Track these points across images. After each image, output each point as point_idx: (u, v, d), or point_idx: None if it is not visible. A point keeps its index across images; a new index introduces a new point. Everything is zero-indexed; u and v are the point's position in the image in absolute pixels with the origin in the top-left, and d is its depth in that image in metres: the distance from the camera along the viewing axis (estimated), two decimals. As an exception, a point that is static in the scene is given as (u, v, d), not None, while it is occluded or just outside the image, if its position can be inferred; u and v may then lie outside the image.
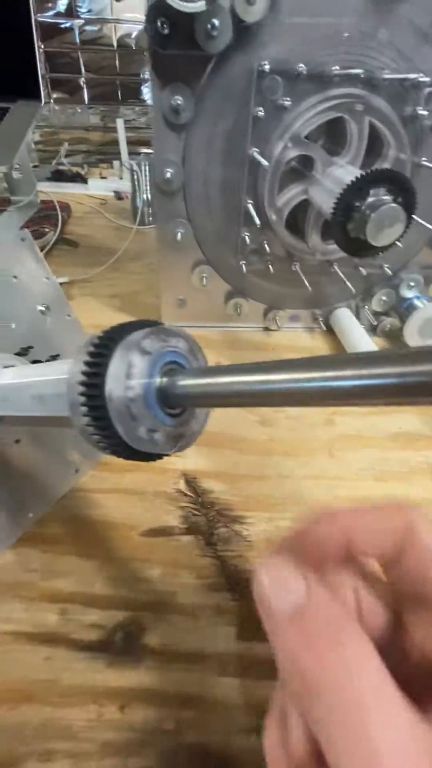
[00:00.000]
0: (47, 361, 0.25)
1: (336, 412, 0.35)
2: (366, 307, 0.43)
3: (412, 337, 0.42)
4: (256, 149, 0.32)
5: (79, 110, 1.25)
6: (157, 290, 0.51)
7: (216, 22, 0.27)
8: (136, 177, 0.70)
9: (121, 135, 0.90)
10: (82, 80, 1.21)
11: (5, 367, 0.20)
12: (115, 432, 0.12)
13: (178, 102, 0.30)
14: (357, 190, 0.26)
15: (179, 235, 0.37)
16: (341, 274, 0.38)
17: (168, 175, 0.33)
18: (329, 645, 0.09)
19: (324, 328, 0.45)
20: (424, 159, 0.33)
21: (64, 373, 0.14)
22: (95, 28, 1.15)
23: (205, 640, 0.20)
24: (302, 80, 0.29)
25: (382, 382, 0.09)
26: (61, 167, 1.01)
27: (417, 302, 0.41)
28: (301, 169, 0.33)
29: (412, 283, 0.42)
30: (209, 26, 0.27)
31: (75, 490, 0.26)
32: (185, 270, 0.40)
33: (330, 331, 0.45)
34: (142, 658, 0.19)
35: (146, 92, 1.25)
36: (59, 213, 0.69)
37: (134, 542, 0.24)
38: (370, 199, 0.26)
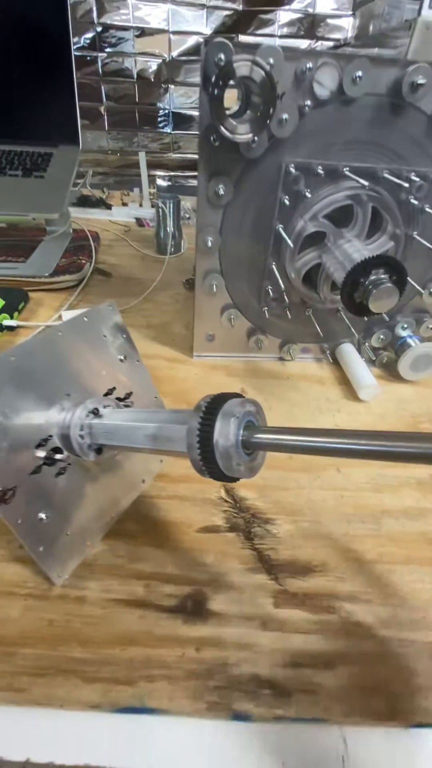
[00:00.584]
0: (125, 397, 0.33)
1: (341, 434, 0.43)
2: (366, 343, 0.51)
3: (405, 370, 0.50)
4: (281, 225, 0.40)
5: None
6: (186, 321, 0.59)
7: (256, 138, 0.35)
8: (161, 213, 0.78)
9: (143, 166, 0.98)
10: (103, 108, 1.30)
11: (105, 406, 0.28)
12: (217, 465, 0.20)
13: (220, 189, 0.38)
14: (362, 269, 0.34)
15: (214, 287, 0.45)
16: (346, 320, 0.46)
17: (209, 242, 0.41)
18: None
19: (330, 359, 0.53)
20: (415, 233, 0.41)
21: (180, 424, 0.22)
22: (117, 61, 1.23)
23: (251, 607, 0.27)
24: (320, 176, 0.37)
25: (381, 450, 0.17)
26: (85, 192, 1.09)
27: (410, 341, 0.49)
28: (316, 239, 0.41)
29: (405, 325, 0.50)
30: (250, 141, 0.35)
31: (142, 496, 0.34)
32: (216, 312, 0.48)
33: (335, 362, 0.53)
34: (207, 618, 0.27)
35: (161, 120, 1.33)
36: (92, 243, 0.77)
37: (191, 537, 0.31)
38: (372, 277, 0.34)
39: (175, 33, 1.21)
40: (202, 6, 1.17)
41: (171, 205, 0.78)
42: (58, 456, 0.26)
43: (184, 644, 0.25)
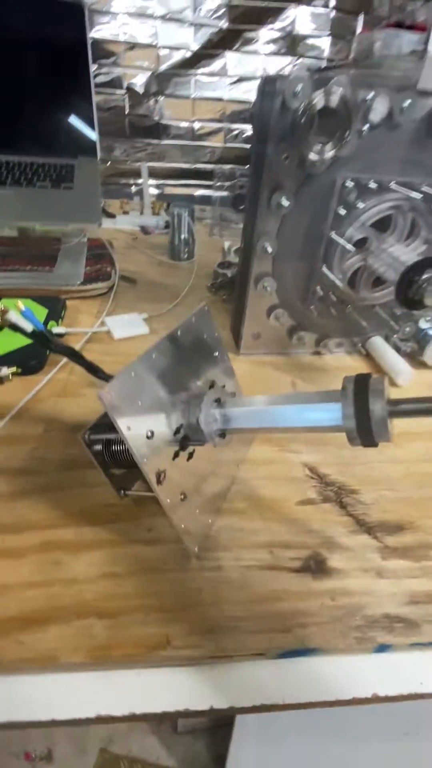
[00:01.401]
0: (212, 384, 0.37)
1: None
2: (396, 335, 0.57)
3: (429, 357, 0.56)
4: (335, 231, 0.45)
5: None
6: (219, 323, 0.63)
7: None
8: (176, 221, 0.81)
9: (145, 177, 1.01)
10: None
11: (220, 397, 0.31)
12: (371, 433, 0.24)
13: (283, 200, 0.43)
14: (418, 269, 0.39)
15: (267, 288, 0.49)
16: (384, 315, 0.52)
17: (268, 248, 0.45)
18: None
19: (363, 352, 0.59)
20: (444, 237, 0.48)
21: (331, 402, 0.26)
22: (107, 73, 1.25)
23: (363, 561, 0.32)
24: (370, 189, 0.43)
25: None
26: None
27: (430, 332, 0.56)
28: (358, 245, 0.47)
29: (428, 318, 0.56)
30: (317, 160, 0.39)
31: (238, 479, 0.37)
32: (263, 312, 0.53)
33: (367, 355, 0.59)
34: (331, 574, 0.31)
35: (150, 131, 1.36)
36: (111, 251, 0.79)
37: (293, 509, 0.35)
38: (425, 275, 0.39)
39: (163, 47, 1.25)
40: (189, 23, 1.22)
41: (186, 212, 0.81)
42: (189, 442, 0.30)
43: (319, 596, 0.29)
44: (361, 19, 1.22)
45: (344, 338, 0.58)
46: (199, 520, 0.31)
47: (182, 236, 0.84)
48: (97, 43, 1.20)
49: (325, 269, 0.47)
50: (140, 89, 1.28)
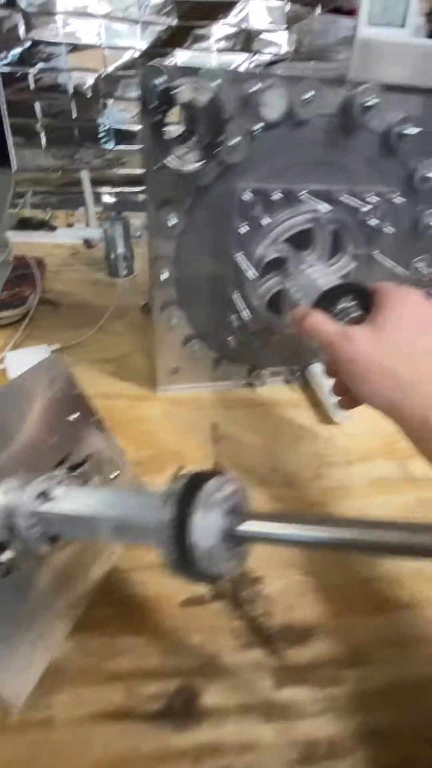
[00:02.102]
0: (82, 462, 0.29)
1: (322, 465, 0.41)
2: (335, 363, 0.50)
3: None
4: (241, 253, 0.38)
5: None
6: (147, 351, 0.55)
7: (209, 162, 0.32)
8: (109, 235, 0.74)
9: (86, 185, 0.94)
10: (39, 125, 1.23)
11: (57, 483, 0.24)
12: (196, 568, 0.17)
13: (171, 219, 0.35)
14: (329, 299, 0.32)
15: (174, 320, 0.42)
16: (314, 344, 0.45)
17: (163, 276, 0.38)
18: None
19: (301, 381, 0.51)
20: (375, 251, 0.40)
21: (151, 512, 0.18)
22: (50, 77, 1.18)
23: (249, 694, 0.24)
24: (276, 201, 0.35)
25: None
26: (25, 214, 1.02)
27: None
28: (278, 263, 0.39)
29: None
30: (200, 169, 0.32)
31: (113, 570, 0.30)
32: (177, 343, 0.45)
33: (306, 383, 0.51)
34: (201, 719, 0.23)
35: (102, 136, 1.29)
36: (35, 271, 0.71)
37: (175, 613, 0.28)
38: (339, 306, 0.32)
39: (109, 48, 1.17)
40: (135, 21, 1.15)
41: (119, 226, 0.74)
42: (3, 557, 0.22)
43: (178, 759, 0.22)
44: (318, 10, 1.16)
45: (280, 367, 0.51)
46: (28, 654, 0.24)
47: (118, 251, 0.77)
48: (37, 44, 1.13)
49: (236, 296, 0.40)
50: (87, 92, 1.20)
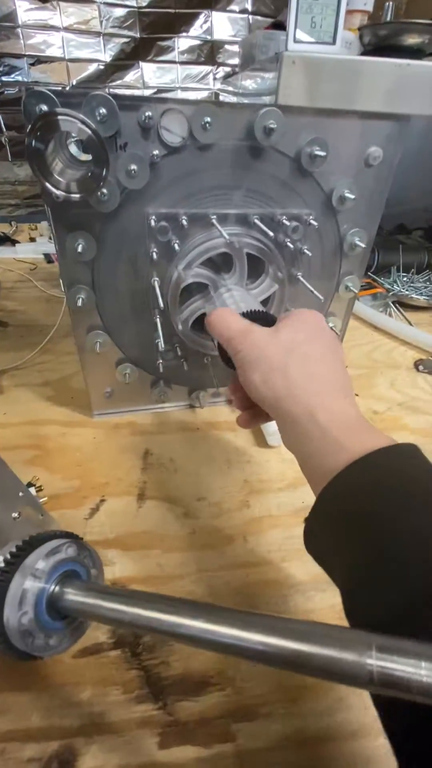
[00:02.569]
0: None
1: (251, 492, 0.40)
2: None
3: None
4: (157, 278, 0.37)
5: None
6: (83, 373, 0.54)
7: (105, 191, 0.31)
8: (62, 251, 0.73)
9: (47, 199, 0.92)
10: (3, 138, 1.22)
11: None
12: (11, 644, 0.15)
13: (80, 245, 0.34)
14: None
15: (98, 346, 0.40)
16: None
17: (80, 301, 0.37)
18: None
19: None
20: (299, 273, 0.39)
21: None
22: (13, 90, 1.17)
23: (131, 755, 0.23)
24: (188, 226, 0.35)
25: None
26: (-13, 230, 1.01)
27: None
28: (201, 287, 0.39)
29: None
30: (99, 194, 0.31)
31: None
32: (109, 368, 0.44)
33: (248, 404, 0.50)
34: (74, 787, 0.22)
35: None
36: (-13, 290, 0.70)
37: (65, 666, 0.26)
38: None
39: (72, 61, 1.17)
40: (98, 33, 1.14)
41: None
42: None
43: None
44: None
45: (221, 387, 0.50)
46: None
47: (72, 267, 0.75)
48: (-2, 58, 1.12)
49: (157, 320, 0.39)
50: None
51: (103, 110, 0.28)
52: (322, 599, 0.31)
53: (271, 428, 0.44)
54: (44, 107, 0.27)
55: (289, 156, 0.35)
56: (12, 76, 1.15)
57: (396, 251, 0.85)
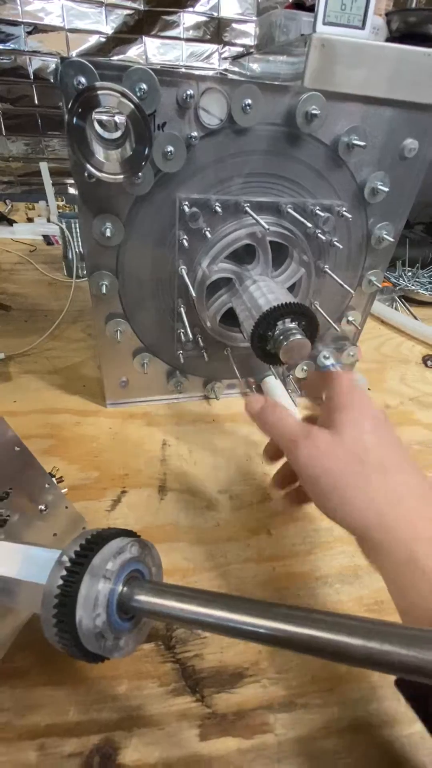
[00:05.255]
0: (2, 497, 0.27)
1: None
2: (291, 375, 0.49)
3: (332, 401, 0.48)
4: (184, 267, 0.36)
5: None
6: (99, 362, 0.53)
7: (139, 173, 0.30)
8: (66, 234, 0.70)
9: (46, 177, 0.89)
10: (-3, 111, 1.16)
11: None
12: (84, 648, 0.15)
13: (108, 230, 0.33)
14: (267, 322, 0.30)
15: (118, 334, 0.39)
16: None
17: (104, 288, 0.36)
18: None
19: (257, 393, 0.50)
20: (326, 266, 0.39)
21: (41, 573, 0.16)
22: (8, 59, 1.11)
23: (172, 747, 0.23)
24: (219, 213, 0.33)
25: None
26: (-18, 207, 0.96)
27: (332, 369, 0.48)
28: (226, 281, 0.38)
29: (327, 354, 0.48)
30: (134, 177, 0.30)
31: (34, 617, 0.28)
32: (126, 357, 0.43)
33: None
34: (118, 780, 0.22)
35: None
36: (-13, 271, 0.67)
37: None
38: (279, 328, 0.30)
39: (72, 31, 1.11)
40: (100, 3, 1.09)
41: (76, 224, 0.70)
42: None
43: None
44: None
45: (235, 379, 0.49)
46: None
47: (75, 250, 0.73)
48: (-7, 24, 1.06)
49: (182, 310, 0.38)
50: (50, 78, 1.14)
51: (144, 86, 0.26)
52: (350, 592, 0.31)
53: (290, 421, 0.44)
54: (83, 80, 0.25)
55: (325, 144, 0.34)
56: (8, 44, 1.09)
57: (402, 246, 0.85)
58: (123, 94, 0.24)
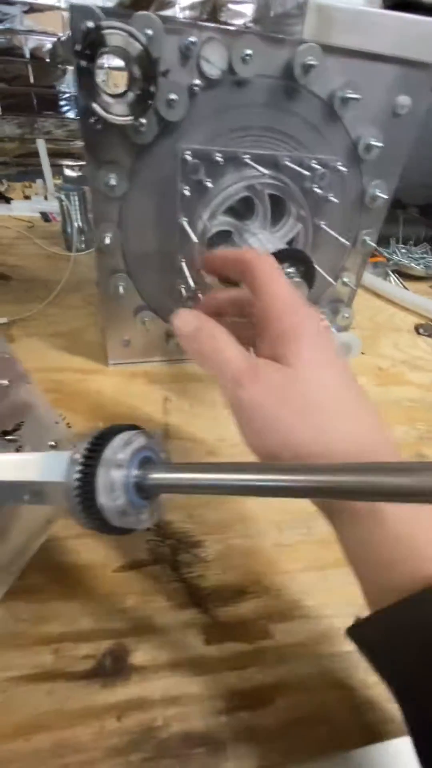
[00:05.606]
0: (14, 429, 0.28)
1: (269, 435, 0.41)
2: (288, 337, 0.50)
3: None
4: (186, 218, 0.37)
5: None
6: (100, 326, 0.54)
7: (143, 120, 0.31)
8: (65, 207, 0.71)
9: (43, 154, 0.89)
10: (-8, 90, 1.16)
11: None
12: (110, 525, 0.16)
13: (112, 179, 0.34)
14: (270, 265, 0.31)
15: (121, 289, 0.40)
16: (265, 315, 0.45)
17: (108, 239, 0.37)
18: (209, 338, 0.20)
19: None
20: (322, 222, 0.40)
21: (60, 478, 0.18)
22: (4, 38, 1.10)
23: (179, 650, 0.25)
24: (219, 164, 0.35)
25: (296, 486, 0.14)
26: (-22, 185, 0.96)
27: (335, 331, 0.49)
28: (225, 236, 0.39)
29: (322, 316, 0.50)
30: (137, 124, 0.31)
31: (49, 539, 0.29)
32: (128, 315, 0.44)
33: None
34: (129, 675, 0.23)
35: (64, 104, 1.23)
36: (-14, 244, 0.68)
37: (109, 579, 0.28)
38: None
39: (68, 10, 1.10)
40: (95, -19, 1.08)
41: (75, 197, 0.71)
42: None
43: (102, 715, 0.22)
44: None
45: (234, 341, 0.51)
46: None
47: (74, 224, 0.74)
48: (-14, 1, 1.05)
49: (183, 264, 0.39)
50: (46, 57, 1.14)
51: (149, 31, 0.27)
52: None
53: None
54: (90, 23, 0.26)
55: (321, 98, 0.35)
56: (3, 23, 1.08)
57: (395, 223, 0.86)
58: (130, 34, 0.25)
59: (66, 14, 1.08)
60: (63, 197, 0.71)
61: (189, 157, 0.34)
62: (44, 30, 1.13)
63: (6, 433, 0.27)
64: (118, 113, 0.27)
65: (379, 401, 0.47)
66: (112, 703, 0.22)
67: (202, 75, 0.31)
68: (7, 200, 0.94)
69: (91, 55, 0.25)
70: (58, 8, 1.10)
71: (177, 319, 0.21)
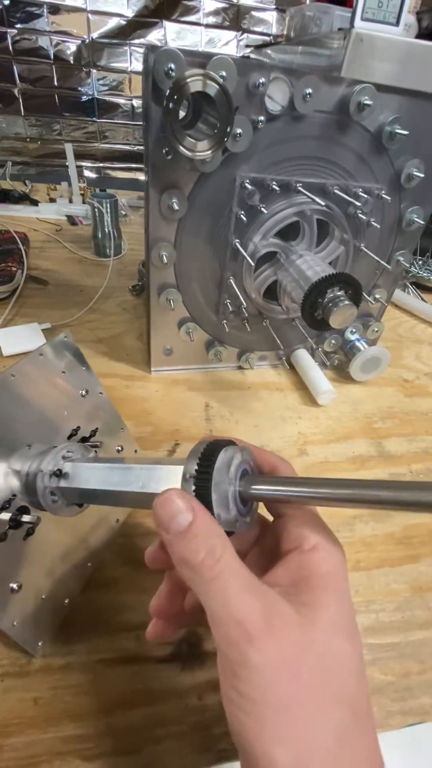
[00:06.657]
0: (90, 435, 0.31)
1: (306, 443, 0.44)
2: (320, 348, 0.53)
3: (356, 372, 0.52)
4: (238, 240, 0.39)
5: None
6: (138, 332, 0.57)
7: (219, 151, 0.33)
8: (97, 213, 0.73)
9: (70, 158, 0.91)
10: (17, 90, 1.17)
11: (69, 458, 0.25)
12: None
13: (174, 204, 0.36)
14: (318, 290, 0.34)
15: (171, 302, 0.43)
16: (302, 329, 0.47)
17: (164, 258, 0.39)
18: (204, 546, 0.16)
19: (287, 365, 0.54)
20: (362, 245, 0.43)
21: (169, 482, 0.20)
22: (30, 39, 1.11)
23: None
24: (274, 191, 0.37)
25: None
26: (4, 185, 0.98)
27: (358, 344, 0.52)
28: (270, 256, 0.41)
29: (353, 329, 0.52)
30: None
31: (117, 537, 0.32)
32: (173, 326, 0.47)
33: (291, 367, 0.54)
34: (205, 660, 0.26)
35: (84, 107, 1.24)
36: (21, 247, 0.70)
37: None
38: (329, 296, 0.34)
39: (93, 12, 1.12)
40: (121, -15, 1.10)
41: (108, 204, 0.73)
42: (25, 518, 0.24)
43: (185, 694, 0.25)
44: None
45: (267, 351, 0.53)
46: (47, 607, 0.26)
47: (105, 230, 0.76)
48: (16, 2, 1.06)
49: (231, 281, 0.42)
50: (70, 59, 1.15)
51: (224, 73, 0.30)
52: (383, 528, 0.36)
53: (321, 388, 0.48)
54: (173, 66, 0.28)
55: (370, 132, 0.37)
56: (29, 23, 1.09)
57: (414, 235, 0.89)
58: (213, 80, 0.27)
59: (91, 17, 1.10)
60: (96, 203, 0.74)
61: (247, 184, 0.36)
62: (69, 32, 1.14)
63: (85, 439, 0.30)
64: (200, 151, 0.30)
65: (408, 411, 0.50)
66: (193, 684, 0.25)
67: (265, 111, 0.33)
68: (34, 202, 0.96)
69: (177, 99, 0.27)
70: (84, 10, 1.11)
71: (161, 507, 0.17)
